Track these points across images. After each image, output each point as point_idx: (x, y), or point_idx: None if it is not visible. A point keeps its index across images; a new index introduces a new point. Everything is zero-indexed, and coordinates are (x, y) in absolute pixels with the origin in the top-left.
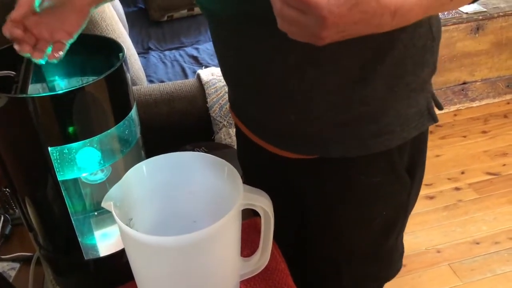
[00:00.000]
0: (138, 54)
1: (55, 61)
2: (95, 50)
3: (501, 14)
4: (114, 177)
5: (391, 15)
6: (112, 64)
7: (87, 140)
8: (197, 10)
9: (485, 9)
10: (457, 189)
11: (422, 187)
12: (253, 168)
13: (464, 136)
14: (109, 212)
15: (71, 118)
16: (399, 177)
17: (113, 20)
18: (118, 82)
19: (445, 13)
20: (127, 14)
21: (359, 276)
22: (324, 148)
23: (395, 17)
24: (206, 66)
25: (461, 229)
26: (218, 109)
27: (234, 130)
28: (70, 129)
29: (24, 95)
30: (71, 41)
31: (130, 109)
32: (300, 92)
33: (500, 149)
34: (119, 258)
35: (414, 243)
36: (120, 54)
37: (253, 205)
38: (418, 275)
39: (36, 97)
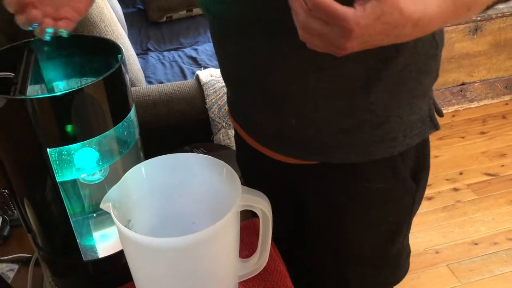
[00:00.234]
0: (137, 55)
1: (64, 33)
2: (94, 51)
3: (499, 15)
4: (113, 179)
5: (413, 26)
6: (111, 65)
7: (86, 142)
8: (196, 11)
9: None
10: (455, 190)
11: None
12: (253, 172)
13: (463, 137)
14: (108, 213)
15: (70, 120)
16: (403, 182)
17: (112, 21)
18: (117, 83)
19: None
20: (126, 15)
21: (367, 282)
22: (324, 153)
23: (416, 28)
24: (205, 67)
25: (460, 229)
26: (217, 110)
27: (233, 131)
28: (69, 130)
29: (23, 97)
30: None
31: (129, 110)
32: (303, 97)
33: (498, 150)
34: (118, 260)
35: (412, 243)
36: (119, 56)
37: (251, 206)
38: (417, 275)
39: (35, 99)
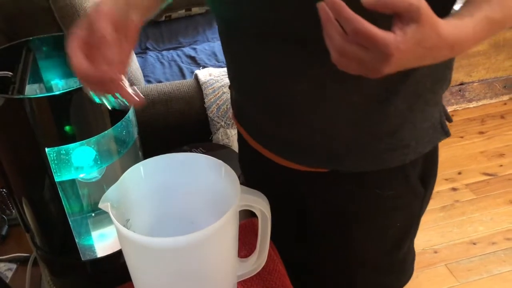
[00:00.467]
0: (136, 54)
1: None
2: None
3: None
4: (111, 178)
5: (449, 48)
6: None
7: (84, 141)
8: (194, 10)
9: None
10: (454, 189)
11: None
12: (256, 175)
13: (461, 137)
14: (106, 213)
15: (68, 119)
16: (413, 188)
17: None
18: None
19: None
20: None
21: (371, 287)
22: (336, 162)
23: (452, 50)
24: (204, 67)
25: (458, 229)
26: (215, 110)
27: (232, 130)
28: (67, 130)
29: (22, 96)
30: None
31: (128, 110)
32: (319, 109)
33: (497, 150)
34: (116, 259)
35: None
36: None
37: (250, 206)
38: (415, 275)
39: (34, 98)
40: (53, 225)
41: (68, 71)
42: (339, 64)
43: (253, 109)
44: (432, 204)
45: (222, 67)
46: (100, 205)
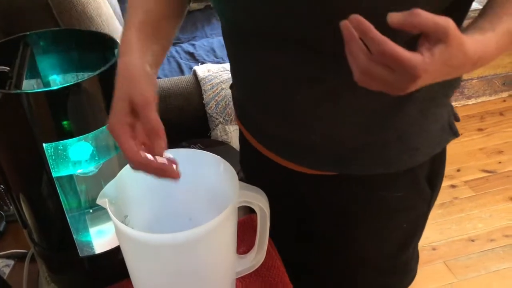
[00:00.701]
0: None
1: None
2: (90, 46)
3: None
4: (109, 174)
5: (473, 64)
6: (108, 59)
7: (82, 137)
8: (193, 6)
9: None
10: (452, 186)
11: None
12: (258, 176)
13: (460, 134)
14: (104, 209)
15: (66, 114)
16: (420, 190)
17: (109, 16)
18: (113, 78)
19: None
20: (123, 10)
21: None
22: (344, 165)
23: (475, 65)
24: (203, 63)
25: (457, 226)
26: (214, 106)
27: (231, 127)
28: (65, 125)
29: (19, 91)
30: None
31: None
32: (332, 115)
33: (496, 147)
34: (115, 255)
35: None
36: (116, 50)
37: (249, 202)
38: None
39: (31, 93)
40: (50, 221)
41: (66, 66)
42: (360, 82)
43: (258, 113)
44: None
45: (221, 63)
46: (98, 201)
